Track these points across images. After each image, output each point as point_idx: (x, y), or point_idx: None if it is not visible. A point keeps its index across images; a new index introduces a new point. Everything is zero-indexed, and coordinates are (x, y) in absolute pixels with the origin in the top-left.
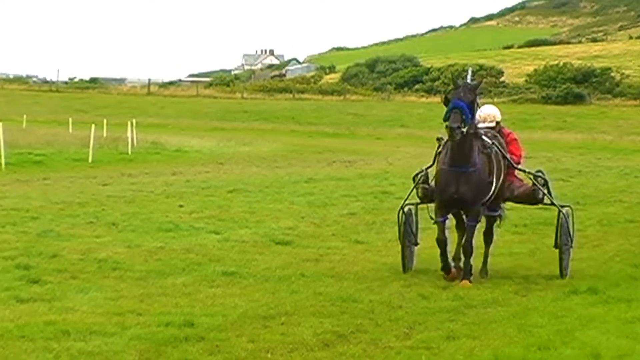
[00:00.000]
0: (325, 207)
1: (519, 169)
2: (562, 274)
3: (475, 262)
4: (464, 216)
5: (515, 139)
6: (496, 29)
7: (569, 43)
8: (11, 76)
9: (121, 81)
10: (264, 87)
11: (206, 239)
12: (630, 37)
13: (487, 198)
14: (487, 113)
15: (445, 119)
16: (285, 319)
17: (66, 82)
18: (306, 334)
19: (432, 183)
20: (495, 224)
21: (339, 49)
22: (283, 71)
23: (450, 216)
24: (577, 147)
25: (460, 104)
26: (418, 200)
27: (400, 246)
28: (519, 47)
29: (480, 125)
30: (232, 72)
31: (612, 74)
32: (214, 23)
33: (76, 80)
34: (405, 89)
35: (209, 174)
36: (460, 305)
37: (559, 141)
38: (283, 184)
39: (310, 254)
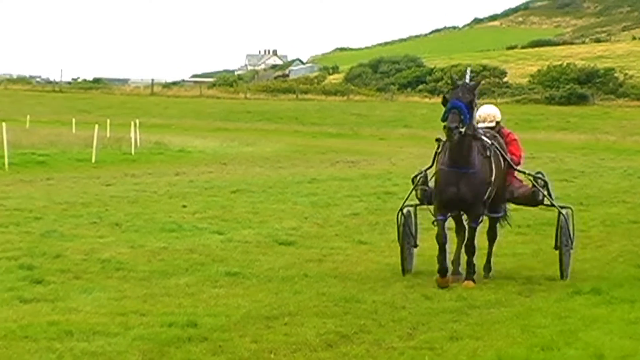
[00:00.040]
0: (328, 207)
1: (519, 171)
2: (562, 276)
3: (478, 262)
4: (463, 219)
5: (515, 140)
6: (499, 29)
7: (572, 43)
8: (14, 76)
9: (124, 81)
10: (267, 88)
11: (209, 239)
12: (634, 38)
13: (486, 198)
14: (487, 113)
15: (444, 119)
16: (289, 319)
17: (69, 83)
18: (309, 335)
19: (431, 184)
20: (500, 223)
21: (342, 49)
22: (286, 71)
23: (449, 219)
24: (580, 148)
25: (459, 104)
26: (417, 202)
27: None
28: (523, 47)
29: (480, 125)
30: (236, 73)
31: (616, 75)
32: (217, 23)
33: (79, 80)
34: (409, 89)
35: (212, 174)
36: (463, 306)
37: (562, 142)
38: (286, 185)
39: (314, 254)
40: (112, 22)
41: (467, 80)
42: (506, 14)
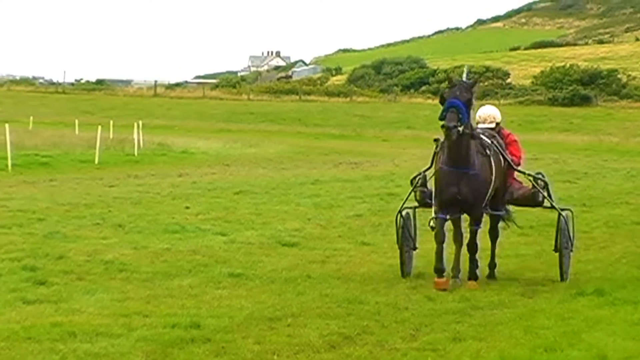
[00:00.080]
0: (331, 208)
1: (519, 171)
2: (562, 278)
3: (482, 263)
4: (462, 224)
5: (515, 141)
6: (502, 30)
7: (575, 45)
8: (18, 77)
9: (127, 83)
10: (270, 89)
11: (212, 241)
12: (637, 39)
13: (487, 198)
14: (487, 114)
15: (441, 118)
16: (292, 320)
17: (72, 84)
18: (312, 336)
19: (430, 184)
20: (506, 223)
21: (345, 50)
22: (289, 73)
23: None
24: (583, 149)
25: (457, 103)
26: (416, 204)
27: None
28: (526, 48)
29: (480, 125)
30: (239, 74)
31: (619, 76)
32: (220, 24)
33: (82, 81)
34: (412, 90)
35: (215, 176)
36: (466, 307)
37: (565, 143)
38: (289, 186)
39: (317, 255)
40: (115, 23)
41: (464, 79)
42: (509, 15)
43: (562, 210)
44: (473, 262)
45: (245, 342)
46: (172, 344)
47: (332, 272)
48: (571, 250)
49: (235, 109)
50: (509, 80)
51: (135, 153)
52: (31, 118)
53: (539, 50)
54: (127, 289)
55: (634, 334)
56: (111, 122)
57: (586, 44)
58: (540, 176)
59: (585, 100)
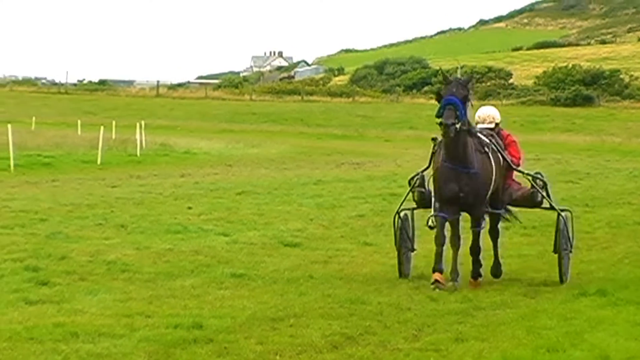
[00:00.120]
0: (333, 209)
1: (518, 170)
2: (561, 279)
3: (485, 263)
4: (461, 226)
5: (514, 141)
6: (505, 30)
7: (577, 45)
8: (20, 78)
9: (130, 83)
10: (273, 89)
11: (215, 241)
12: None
13: (488, 197)
14: (487, 114)
15: (439, 115)
16: (294, 320)
17: (75, 84)
18: (315, 336)
19: (429, 185)
20: (509, 221)
21: (347, 50)
22: (292, 73)
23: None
24: (586, 149)
25: (454, 100)
26: (414, 205)
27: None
28: (528, 49)
29: (479, 126)
30: (241, 74)
31: (621, 76)
32: (222, 25)
33: (85, 82)
34: (414, 90)
35: (217, 176)
36: (468, 308)
37: (567, 143)
38: (292, 186)
39: (319, 255)
40: (118, 24)
41: (459, 76)
42: (511, 15)
43: (562, 211)
44: (477, 263)
45: (247, 342)
46: (174, 344)
47: (335, 273)
48: (570, 252)
49: (238, 109)
50: (511, 81)
51: (138, 153)
52: (34, 118)
53: (542, 50)
54: (129, 289)
55: (636, 334)
56: (113, 123)
57: (588, 44)
58: (539, 176)
59: (587, 101)
